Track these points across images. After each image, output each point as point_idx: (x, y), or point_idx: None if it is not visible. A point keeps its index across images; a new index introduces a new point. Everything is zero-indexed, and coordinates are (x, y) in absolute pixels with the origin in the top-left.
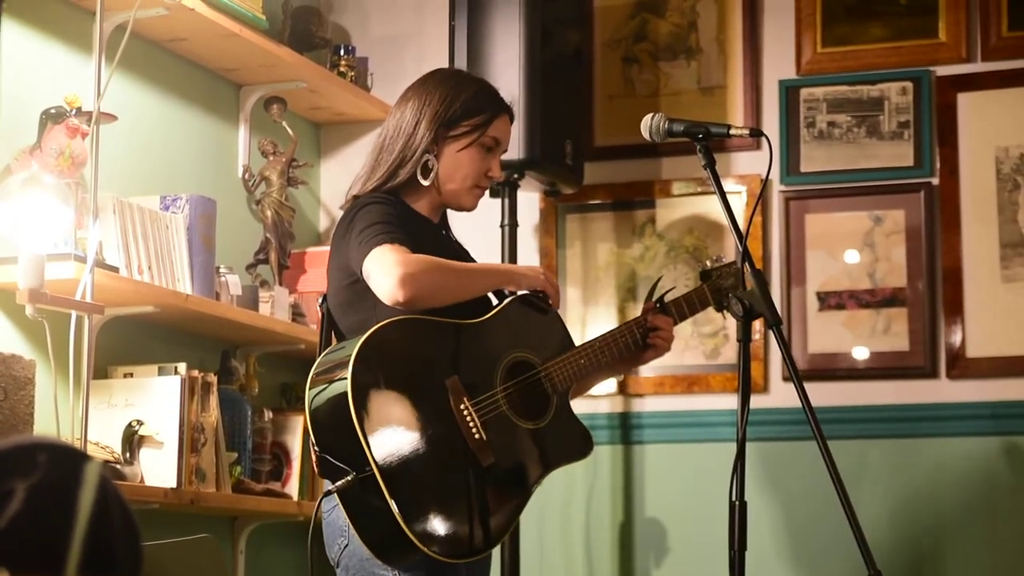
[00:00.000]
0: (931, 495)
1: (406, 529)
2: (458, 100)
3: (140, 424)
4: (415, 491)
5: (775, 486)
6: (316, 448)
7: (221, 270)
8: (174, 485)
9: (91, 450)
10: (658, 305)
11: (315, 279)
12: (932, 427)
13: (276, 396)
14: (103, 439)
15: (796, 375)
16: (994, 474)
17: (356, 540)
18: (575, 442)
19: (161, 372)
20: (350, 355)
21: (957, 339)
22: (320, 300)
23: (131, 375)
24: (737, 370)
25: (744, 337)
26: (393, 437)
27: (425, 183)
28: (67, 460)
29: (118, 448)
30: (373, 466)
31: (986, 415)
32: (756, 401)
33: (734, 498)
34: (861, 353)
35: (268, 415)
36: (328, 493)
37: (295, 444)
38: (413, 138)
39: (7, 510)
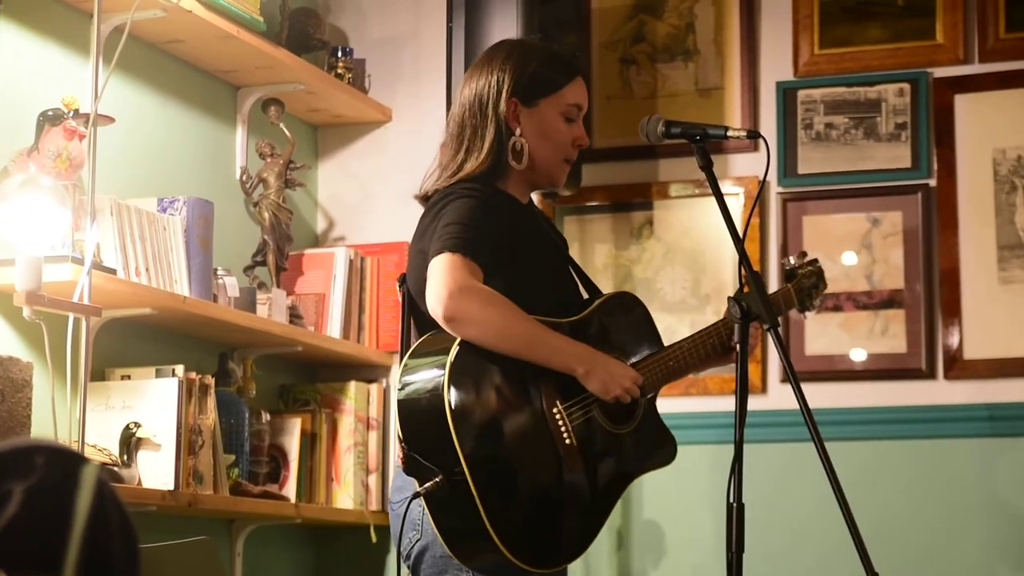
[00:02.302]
0: (929, 497)
1: (493, 534)
2: (528, 72)
3: (138, 426)
4: (504, 496)
5: (773, 488)
6: (404, 446)
7: (219, 272)
8: (172, 487)
9: (88, 452)
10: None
11: (313, 281)
12: (929, 429)
13: (274, 398)
14: (100, 441)
15: (794, 377)
16: (992, 476)
17: (430, 535)
18: (660, 447)
19: (159, 374)
20: (447, 356)
21: (955, 341)
22: (400, 280)
23: (128, 377)
24: (735, 372)
25: (742, 339)
26: (485, 441)
27: (520, 167)
28: (64, 462)
29: (115, 450)
30: (465, 469)
31: (983, 417)
32: (754, 403)
33: (732, 500)
34: (859, 355)
35: (266, 417)
36: (417, 495)
37: (293, 446)
38: (494, 121)
39: (4, 512)
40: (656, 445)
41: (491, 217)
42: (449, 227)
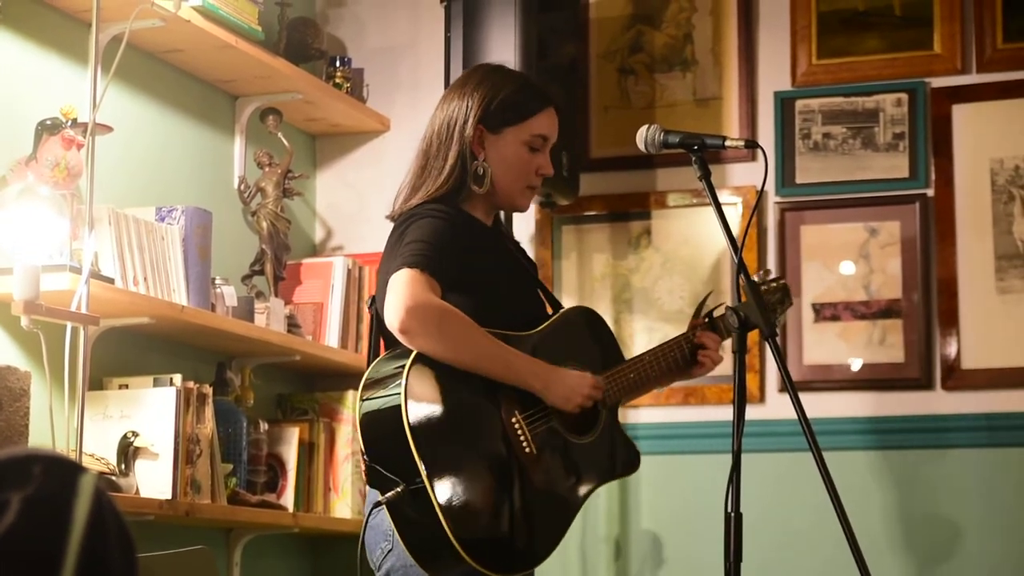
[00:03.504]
0: (926, 507)
1: (455, 542)
2: (497, 100)
3: (135, 435)
4: (465, 504)
5: (771, 497)
6: (366, 458)
7: (217, 281)
8: (169, 496)
9: (86, 461)
10: (707, 320)
11: (311, 290)
12: (927, 439)
13: (271, 407)
14: (98, 450)
15: (791, 386)
16: (989, 486)
17: (400, 546)
18: (623, 458)
19: (156, 383)
20: (404, 365)
21: (952, 351)
22: (369, 302)
23: (126, 386)
24: (733, 382)
25: (740, 348)
26: (444, 450)
27: (480, 191)
28: (62, 472)
29: (113, 459)
30: (424, 478)
31: (981, 427)
32: (752, 412)
33: (729, 509)
34: (856, 364)
35: (263, 426)
36: (378, 504)
37: (290, 455)
38: (459, 145)
39: (2, 521)
40: (618, 456)
41: (454, 237)
42: (411, 244)
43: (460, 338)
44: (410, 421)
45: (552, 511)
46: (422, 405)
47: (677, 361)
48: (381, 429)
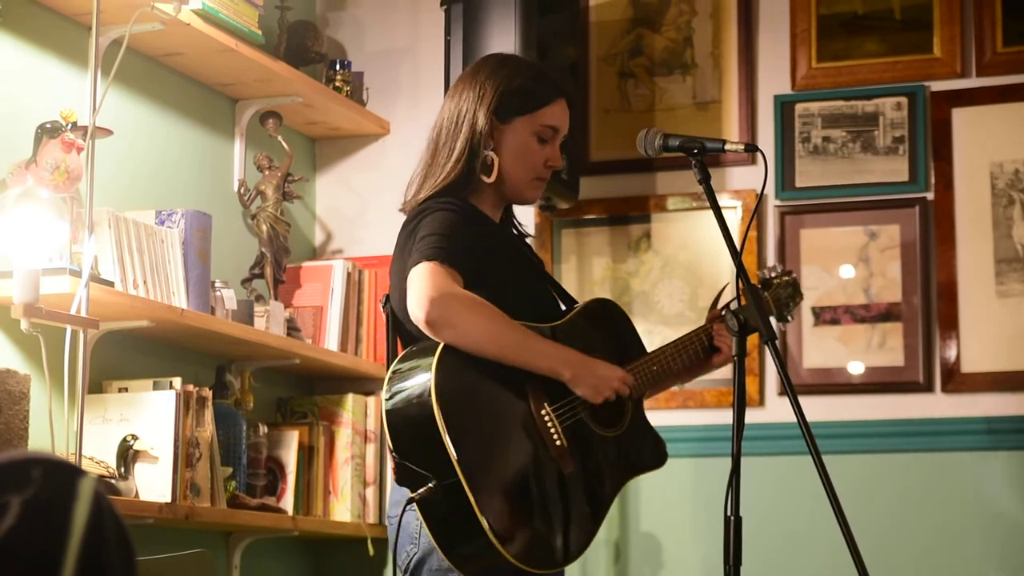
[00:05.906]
0: (926, 510)
1: (492, 538)
2: (508, 89)
3: (135, 439)
4: (500, 499)
5: (770, 501)
6: (395, 455)
7: (216, 284)
8: (169, 500)
9: (86, 465)
10: (723, 313)
11: (310, 293)
12: (927, 442)
13: (271, 411)
14: (98, 454)
15: (791, 390)
16: (989, 489)
17: (427, 547)
18: (651, 451)
19: (156, 387)
20: (432, 359)
21: (952, 354)
22: (383, 301)
23: (126, 390)
24: (732, 385)
25: (739, 352)
26: (477, 444)
27: (488, 180)
28: (62, 475)
29: (113, 463)
30: (459, 473)
31: (981, 430)
32: (751, 416)
33: (729, 513)
34: (856, 368)
35: (263, 430)
36: (411, 501)
37: (290, 459)
38: (468, 134)
39: (1, 524)
40: (646, 448)
41: (465, 229)
42: (426, 239)
43: (488, 327)
44: (443, 414)
45: (586, 505)
46: (452, 398)
47: (698, 352)
48: (411, 425)
